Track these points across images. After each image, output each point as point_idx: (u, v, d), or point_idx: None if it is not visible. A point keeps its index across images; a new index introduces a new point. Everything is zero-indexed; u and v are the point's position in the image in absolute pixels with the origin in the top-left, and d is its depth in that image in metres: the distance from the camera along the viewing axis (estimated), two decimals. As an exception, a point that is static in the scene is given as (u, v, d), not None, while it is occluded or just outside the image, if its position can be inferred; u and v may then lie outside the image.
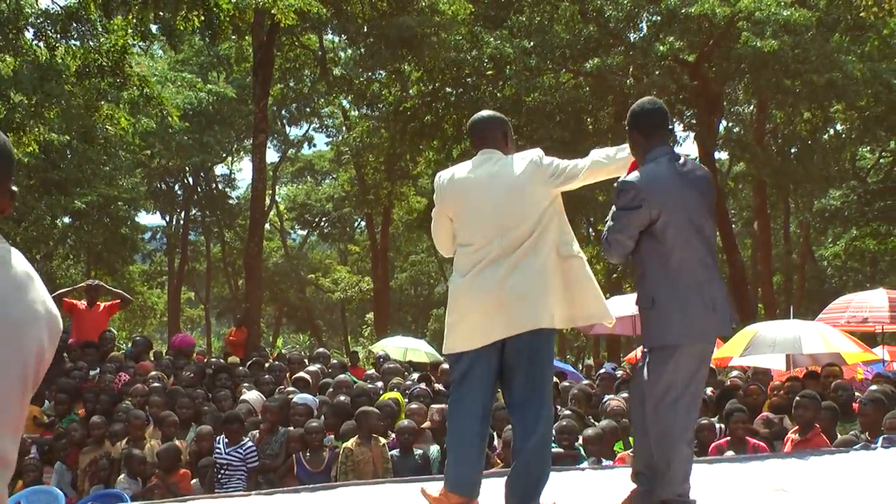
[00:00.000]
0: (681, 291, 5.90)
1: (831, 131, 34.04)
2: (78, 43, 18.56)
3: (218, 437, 10.63)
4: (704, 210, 6.01)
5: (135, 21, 17.97)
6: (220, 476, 10.30)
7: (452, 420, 6.27)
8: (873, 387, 10.98)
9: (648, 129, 6.06)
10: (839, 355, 14.25)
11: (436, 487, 6.26)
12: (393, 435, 10.45)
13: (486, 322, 6.05)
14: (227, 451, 10.41)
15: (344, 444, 10.02)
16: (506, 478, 6.13)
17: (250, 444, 10.56)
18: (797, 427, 9.80)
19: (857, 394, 11.34)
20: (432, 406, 11.12)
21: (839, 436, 9.61)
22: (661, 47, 25.82)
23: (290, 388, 12.81)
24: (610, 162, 6.27)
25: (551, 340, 6.23)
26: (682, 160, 6.08)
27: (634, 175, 5.99)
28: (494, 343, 6.06)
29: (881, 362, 14.40)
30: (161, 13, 18.11)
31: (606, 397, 11.72)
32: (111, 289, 18.48)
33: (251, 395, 12.26)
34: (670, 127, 6.22)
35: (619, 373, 15.49)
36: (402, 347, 21.11)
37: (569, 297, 6.17)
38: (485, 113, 6.62)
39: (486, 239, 6.06)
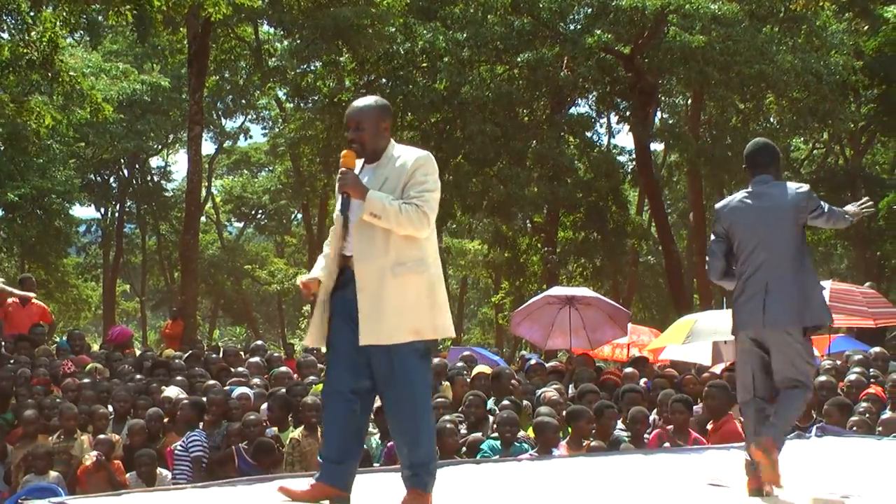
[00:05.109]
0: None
1: (765, 123, 34.28)
2: (7, 36, 18.24)
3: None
4: (781, 225, 7.20)
5: (64, 14, 17.68)
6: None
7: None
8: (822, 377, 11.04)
9: (748, 164, 7.18)
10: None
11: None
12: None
13: None
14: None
15: (291, 435, 9.96)
16: None
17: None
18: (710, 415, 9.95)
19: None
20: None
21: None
22: (590, 39, 25.92)
23: (211, 382, 12.31)
24: None
25: None
26: (758, 189, 7.07)
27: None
28: None
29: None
30: (92, 7, 17.86)
31: (541, 390, 11.61)
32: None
33: (171, 391, 11.96)
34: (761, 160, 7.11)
35: (554, 362, 15.43)
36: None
37: None
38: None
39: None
